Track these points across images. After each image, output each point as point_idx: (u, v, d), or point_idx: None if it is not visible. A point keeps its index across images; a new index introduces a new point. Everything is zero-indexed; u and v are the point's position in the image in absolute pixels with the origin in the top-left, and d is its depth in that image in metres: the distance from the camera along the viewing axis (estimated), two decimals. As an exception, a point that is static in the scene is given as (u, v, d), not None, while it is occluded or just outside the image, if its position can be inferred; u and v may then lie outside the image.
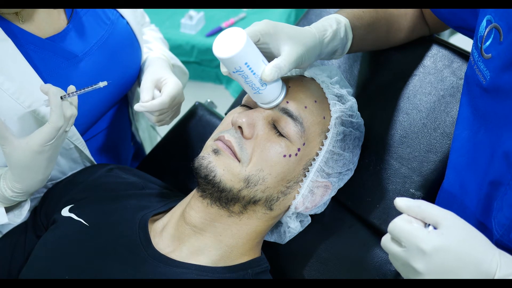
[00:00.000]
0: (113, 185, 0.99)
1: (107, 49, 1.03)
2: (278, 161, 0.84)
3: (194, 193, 0.90)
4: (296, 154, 0.85)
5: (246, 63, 0.77)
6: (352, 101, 0.93)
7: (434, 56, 1.01)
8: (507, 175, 0.68)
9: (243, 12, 2.12)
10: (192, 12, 2.06)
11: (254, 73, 0.79)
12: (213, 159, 0.84)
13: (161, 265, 0.84)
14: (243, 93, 1.19)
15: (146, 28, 1.23)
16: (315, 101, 0.88)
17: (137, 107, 0.97)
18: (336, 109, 0.89)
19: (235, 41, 0.75)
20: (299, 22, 1.20)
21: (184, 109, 1.26)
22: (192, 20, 2.04)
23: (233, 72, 0.79)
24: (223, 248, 0.87)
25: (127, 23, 1.09)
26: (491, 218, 0.71)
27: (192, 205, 0.88)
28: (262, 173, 0.84)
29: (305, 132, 0.86)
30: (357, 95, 1.06)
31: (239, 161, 0.84)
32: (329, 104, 0.90)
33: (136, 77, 1.12)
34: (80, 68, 0.99)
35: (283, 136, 0.85)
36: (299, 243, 0.98)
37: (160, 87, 1.02)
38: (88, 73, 1.00)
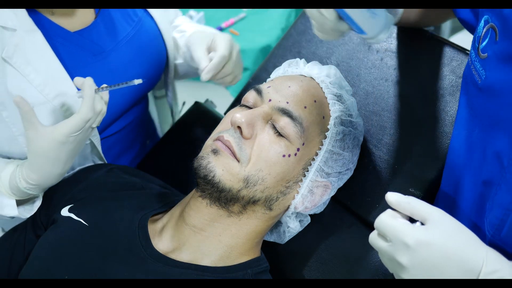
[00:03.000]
0: (113, 185, 0.99)
1: (133, 46, 1.02)
2: (278, 161, 0.84)
3: (193, 193, 0.90)
4: (295, 154, 0.85)
5: None
6: (352, 101, 0.93)
7: (433, 55, 1.01)
8: (498, 175, 0.68)
9: (243, 12, 2.12)
10: (192, 12, 2.06)
11: None
12: (212, 159, 0.84)
13: (160, 265, 0.84)
14: (243, 92, 1.19)
15: (179, 17, 1.22)
16: (315, 101, 0.88)
17: (204, 77, 0.96)
18: (336, 109, 0.89)
19: None
20: (298, 20, 1.20)
21: (184, 109, 1.26)
22: (192, 20, 2.04)
23: None
24: (223, 248, 0.87)
25: (154, 21, 1.07)
26: (484, 219, 0.72)
27: (192, 205, 0.88)
28: (261, 173, 0.84)
29: (305, 132, 0.86)
30: (356, 94, 1.06)
31: (238, 161, 0.84)
32: (329, 103, 0.90)
33: (160, 77, 1.11)
34: (105, 64, 0.98)
35: (283, 136, 0.85)
36: (298, 243, 0.98)
37: (213, 49, 1.01)
38: (113, 69, 0.99)
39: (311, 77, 0.93)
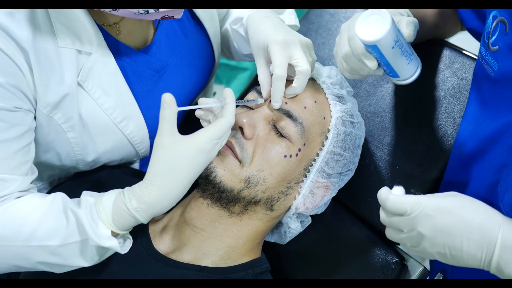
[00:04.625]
0: (113, 185, 0.99)
1: (189, 56, 1.00)
2: (279, 162, 0.84)
3: (194, 193, 0.90)
4: (296, 155, 0.85)
5: (397, 29, 0.78)
6: (353, 101, 0.93)
7: (435, 57, 1.01)
8: (510, 156, 0.70)
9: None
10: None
11: (404, 38, 0.80)
12: (214, 160, 0.84)
13: (161, 266, 0.84)
14: (243, 93, 1.19)
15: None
16: (315, 102, 0.88)
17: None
18: (337, 110, 0.89)
19: (378, 19, 0.75)
20: (299, 22, 1.19)
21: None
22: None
23: (393, 47, 0.78)
24: (224, 249, 0.87)
25: (202, 26, 1.03)
26: (499, 202, 0.73)
27: (193, 206, 0.88)
28: (262, 173, 0.84)
29: (306, 132, 0.86)
30: (358, 95, 1.06)
31: (239, 161, 0.84)
32: (330, 104, 0.90)
33: (205, 86, 1.09)
34: (166, 78, 0.96)
35: (284, 137, 0.85)
36: (299, 244, 0.98)
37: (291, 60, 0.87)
38: (172, 83, 0.97)
39: (312, 78, 0.93)
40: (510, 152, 0.71)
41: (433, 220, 0.66)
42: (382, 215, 0.72)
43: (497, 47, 0.71)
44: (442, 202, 0.66)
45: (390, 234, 0.73)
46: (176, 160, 0.75)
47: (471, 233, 0.64)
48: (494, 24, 0.72)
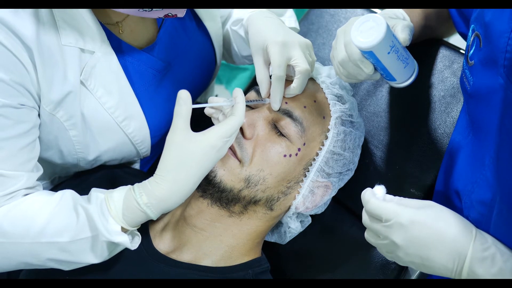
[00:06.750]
0: (115, 185, 0.99)
1: (190, 56, 1.00)
2: (279, 161, 0.84)
3: (194, 193, 0.90)
4: (296, 154, 0.85)
5: (393, 35, 0.78)
6: (352, 101, 0.93)
7: (435, 57, 1.01)
8: (478, 174, 0.71)
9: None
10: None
11: (399, 43, 0.80)
12: (214, 160, 0.84)
13: (161, 265, 0.84)
14: (244, 93, 1.19)
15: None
16: (315, 101, 0.88)
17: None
18: (336, 109, 0.89)
19: (373, 25, 0.75)
20: (300, 22, 1.20)
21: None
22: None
23: (388, 53, 0.78)
24: (224, 249, 0.87)
25: (207, 30, 1.04)
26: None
27: (193, 205, 0.88)
28: (262, 173, 0.84)
29: (305, 132, 0.86)
30: (357, 95, 1.06)
31: (239, 161, 0.84)
32: (329, 104, 0.90)
33: (206, 87, 1.09)
34: (166, 79, 0.97)
35: (284, 136, 0.85)
36: (299, 244, 0.98)
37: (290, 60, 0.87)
38: (172, 85, 0.97)
39: (312, 78, 0.93)
40: (479, 170, 0.71)
41: (407, 232, 0.67)
42: (365, 217, 0.73)
43: (473, 62, 0.72)
44: (416, 214, 0.67)
45: (368, 237, 0.75)
46: (188, 156, 0.76)
47: (444, 245, 0.66)
48: (472, 38, 0.72)
